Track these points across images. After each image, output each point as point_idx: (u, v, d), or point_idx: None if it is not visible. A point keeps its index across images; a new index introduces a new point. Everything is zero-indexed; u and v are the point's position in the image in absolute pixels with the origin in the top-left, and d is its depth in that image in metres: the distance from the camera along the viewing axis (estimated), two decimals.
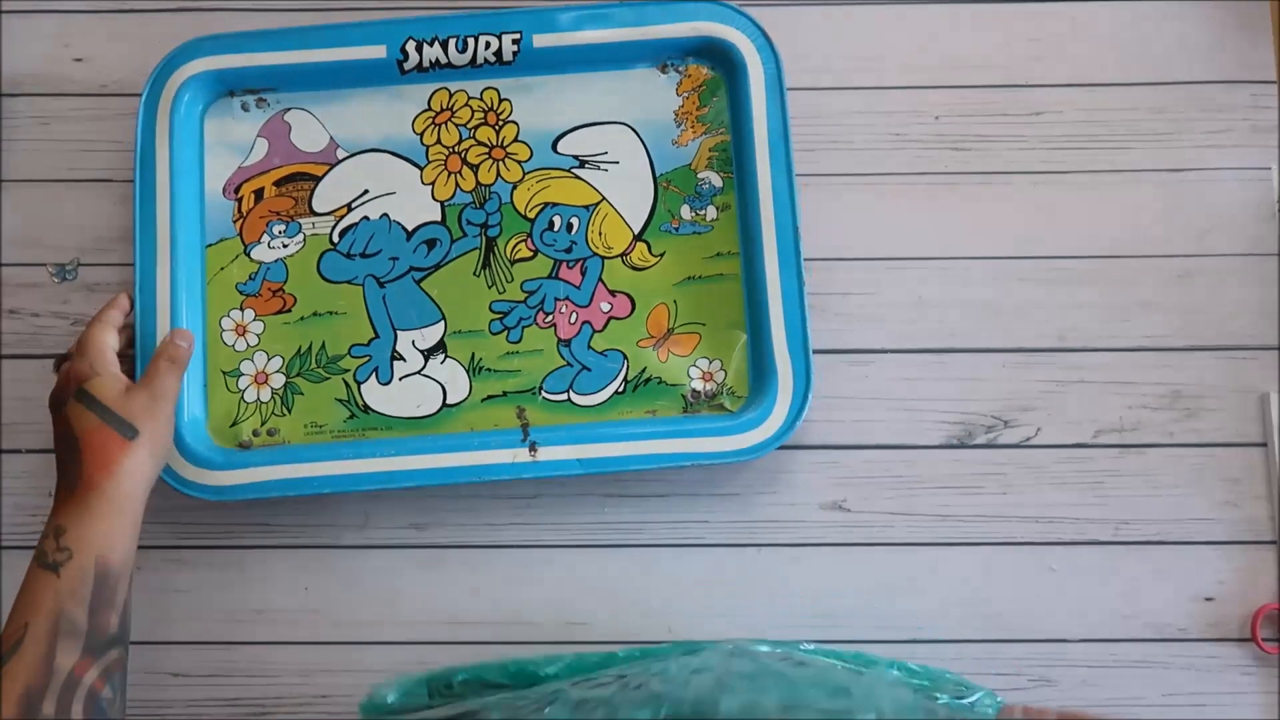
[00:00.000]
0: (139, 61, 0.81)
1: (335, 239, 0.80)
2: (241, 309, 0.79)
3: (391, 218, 0.80)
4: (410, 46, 0.80)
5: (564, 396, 0.77)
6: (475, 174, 0.81)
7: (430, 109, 0.81)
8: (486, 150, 0.81)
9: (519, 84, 0.81)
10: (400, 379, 0.78)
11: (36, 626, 0.60)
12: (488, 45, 0.80)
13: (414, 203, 0.80)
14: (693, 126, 0.81)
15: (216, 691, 0.76)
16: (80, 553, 0.62)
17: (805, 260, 0.77)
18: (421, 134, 0.81)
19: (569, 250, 0.80)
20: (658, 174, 0.81)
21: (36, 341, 0.80)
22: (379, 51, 0.80)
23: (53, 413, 0.68)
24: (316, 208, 0.80)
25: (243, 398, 0.78)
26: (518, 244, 0.80)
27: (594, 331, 0.78)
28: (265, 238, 0.80)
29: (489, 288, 0.79)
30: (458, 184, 0.80)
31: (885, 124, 0.82)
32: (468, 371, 0.78)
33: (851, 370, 0.79)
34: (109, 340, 0.71)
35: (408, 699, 0.65)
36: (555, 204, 0.80)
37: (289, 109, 0.81)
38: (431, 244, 0.80)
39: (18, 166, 0.82)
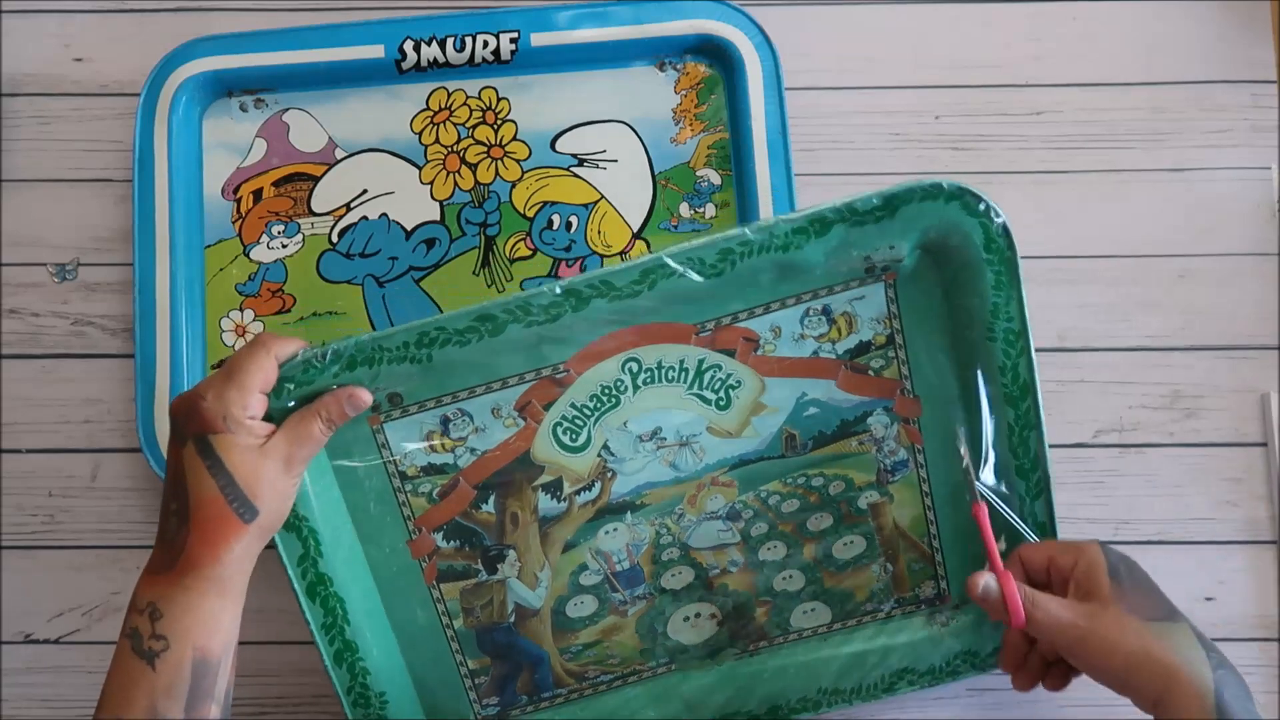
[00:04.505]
0: (139, 61, 0.81)
1: (334, 239, 0.80)
2: (241, 310, 0.79)
3: (390, 217, 0.80)
4: (408, 46, 0.80)
5: None
6: (474, 173, 0.80)
7: (428, 108, 0.81)
8: (485, 149, 0.81)
9: (517, 83, 0.81)
10: None
11: None
12: (485, 44, 0.80)
13: (413, 202, 0.80)
14: (691, 124, 0.81)
15: None
16: (178, 643, 0.56)
17: None
18: (420, 133, 0.81)
19: (568, 249, 0.80)
20: (656, 172, 0.81)
21: (36, 341, 0.80)
22: (377, 51, 0.80)
23: (171, 436, 0.59)
24: (315, 208, 0.80)
25: None
26: (517, 243, 0.80)
27: None
28: (264, 238, 0.80)
29: (488, 287, 0.79)
30: (456, 183, 0.80)
31: (885, 124, 0.82)
32: None
33: None
34: (260, 379, 0.59)
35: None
36: (554, 202, 0.80)
37: (287, 109, 0.81)
38: (430, 243, 0.80)
39: (18, 166, 0.82)
